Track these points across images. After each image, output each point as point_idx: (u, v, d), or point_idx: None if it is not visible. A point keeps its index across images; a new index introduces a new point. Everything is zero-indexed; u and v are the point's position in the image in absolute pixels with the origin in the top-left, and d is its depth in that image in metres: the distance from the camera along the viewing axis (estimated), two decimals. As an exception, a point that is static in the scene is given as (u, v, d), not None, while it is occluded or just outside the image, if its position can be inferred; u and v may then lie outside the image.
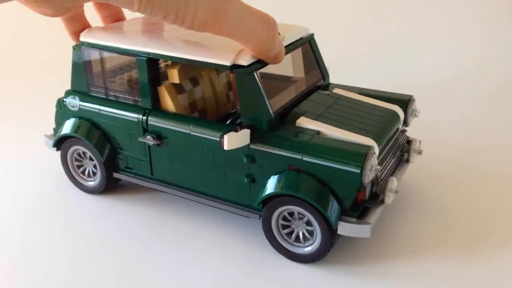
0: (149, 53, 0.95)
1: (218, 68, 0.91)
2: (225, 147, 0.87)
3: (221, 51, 0.90)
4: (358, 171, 0.82)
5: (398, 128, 1.01)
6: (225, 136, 0.86)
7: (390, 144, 0.96)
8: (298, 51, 1.06)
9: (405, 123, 1.05)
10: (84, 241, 0.98)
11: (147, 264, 0.92)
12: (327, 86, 1.10)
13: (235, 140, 0.87)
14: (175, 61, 0.95)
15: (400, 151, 1.04)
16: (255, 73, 0.89)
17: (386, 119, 0.97)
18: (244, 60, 0.88)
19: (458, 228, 1.00)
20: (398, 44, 1.89)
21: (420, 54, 1.85)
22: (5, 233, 1.01)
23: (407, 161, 1.05)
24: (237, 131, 0.88)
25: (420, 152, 1.05)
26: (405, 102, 1.04)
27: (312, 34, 1.09)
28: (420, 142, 1.06)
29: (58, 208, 1.09)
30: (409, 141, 1.07)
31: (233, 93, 1.00)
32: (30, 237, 1.00)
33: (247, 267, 0.91)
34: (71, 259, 0.94)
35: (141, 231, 1.01)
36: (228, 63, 0.88)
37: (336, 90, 1.06)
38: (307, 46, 1.07)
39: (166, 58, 0.94)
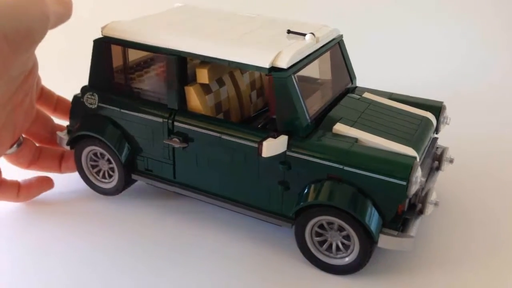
0: (180, 52, 0.89)
1: (255, 70, 0.86)
2: (264, 154, 0.82)
3: (258, 52, 0.86)
4: (404, 183, 0.79)
5: (431, 136, 0.98)
6: (264, 143, 0.82)
7: (425, 153, 0.94)
8: (328, 53, 1.02)
9: (436, 130, 1.02)
10: (92, 240, 0.95)
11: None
12: (354, 89, 1.07)
13: (273, 146, 0.83)
14: (206, 61, 0.90)
15: (432, 160, 1.01)
16: (293, 76, 0.85)
17: (422, 126, 0.94)
18: (283, 62, 0.84)
19: (490, 239, 0.98)
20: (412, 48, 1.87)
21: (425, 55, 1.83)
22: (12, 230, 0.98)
23: (438, 169, 1.02)
24: (274, 137, 0.84)
25: (451, 161, 1.02)
26: (437, 108, 1.01)
27: (342, 35, 1.05)
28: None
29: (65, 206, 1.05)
30: (437, 149, 1.05)
31: (268, 96, 0.96)
32: (34, 233, 0.98)
33: (279, 277, 0.88)
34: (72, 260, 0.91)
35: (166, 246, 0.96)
36: (266, 65, 0.84)
37: (366, 95, 1.02)
38: (336, 47, 1.04)
39: (199, 57, 0.89)
